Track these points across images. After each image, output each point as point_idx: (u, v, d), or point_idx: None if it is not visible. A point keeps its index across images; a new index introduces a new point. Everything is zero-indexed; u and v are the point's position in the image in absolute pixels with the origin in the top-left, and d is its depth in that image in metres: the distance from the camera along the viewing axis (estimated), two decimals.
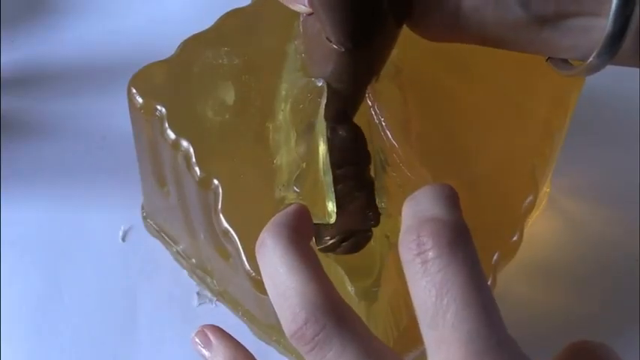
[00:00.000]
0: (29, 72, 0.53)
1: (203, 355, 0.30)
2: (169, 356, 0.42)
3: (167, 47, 0.39)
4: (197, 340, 0.30)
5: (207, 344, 0.30)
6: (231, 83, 0.37)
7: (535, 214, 0.45)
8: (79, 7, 0.57)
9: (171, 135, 0.36)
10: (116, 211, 0.46)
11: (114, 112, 0.49)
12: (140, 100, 0.37)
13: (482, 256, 0.25)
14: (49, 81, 0.52)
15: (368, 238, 0.32)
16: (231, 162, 0.35)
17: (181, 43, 0.39)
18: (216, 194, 0.34)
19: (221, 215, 0.34)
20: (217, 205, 0.34)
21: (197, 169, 0.35)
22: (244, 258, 0.33)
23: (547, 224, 0.46)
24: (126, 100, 0.38)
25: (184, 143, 0.35)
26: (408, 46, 0.38)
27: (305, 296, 0.25)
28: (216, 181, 0.34)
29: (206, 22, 0.40)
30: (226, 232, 0.33)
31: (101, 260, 0.45)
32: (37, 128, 0.50)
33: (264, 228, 0.27)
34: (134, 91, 0.37)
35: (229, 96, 0.37)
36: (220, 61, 0.38)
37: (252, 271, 0.32)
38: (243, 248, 0.33)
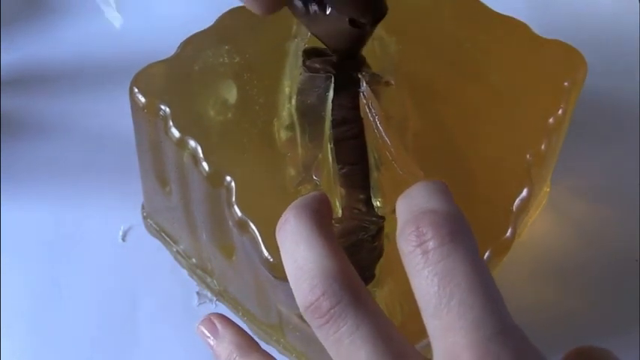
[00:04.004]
0: (29, 72, 0.53)
1: (208, 343, 0.30)
2: (169, 356, 0.42)
3: (167, 47, 0.39)
4: (203, 328, 0.31)
5: (213, 332, 0.30)
6: (233, 81, 0.37)
7: (535, 214, 0.45)
8: (79, 7, 0.57)
9: (176, 134, 0.36)
10: (116, 211, 0.46)
11: (114, 112, 0.49)
12: (143, 99, 0.37)
13: None
14: (49, 81, 0.52)
15: (371, 247, 0.32)
16: (240, 158, 0.35)
17: (182, 42, 0.39)
18: (229, 189, 0.34)
19: (236, 207, 0.34)
20: (231, 198, 0.34)
21: (205, 165, 0.35)
22: (262, 245, 0.33)
23: (547, 224, 0.46)
24: (126, 100, 0.38)
25: (191, 142, 0.35)
26: (406, 45, 0.38)
27: (324, 270, 0.25)
28: (228, 177, 0.34)
29: (206, 22, 0.40)
30: (243, 223, 0.34)
31: (101, 260, 0.45)
32: (37, 128, 0.50)
33: (288, 208, 0.27)
34: (136, 90, 0.37)
35: (231, 94, 0.37)
36: (221, 59, 0.38)
37: (270, 257, 0.33)
38: (261, 236, 0.33)
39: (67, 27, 0.56)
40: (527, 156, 0.36)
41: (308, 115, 0.34)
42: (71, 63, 0.53)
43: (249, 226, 0.33)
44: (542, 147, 0.37)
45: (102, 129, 0.50)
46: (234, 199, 0.34)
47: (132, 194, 0.46)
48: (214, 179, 0.35)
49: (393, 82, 0.36)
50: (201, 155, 0.35)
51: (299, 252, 0.26)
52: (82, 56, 0.54)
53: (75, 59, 0.54)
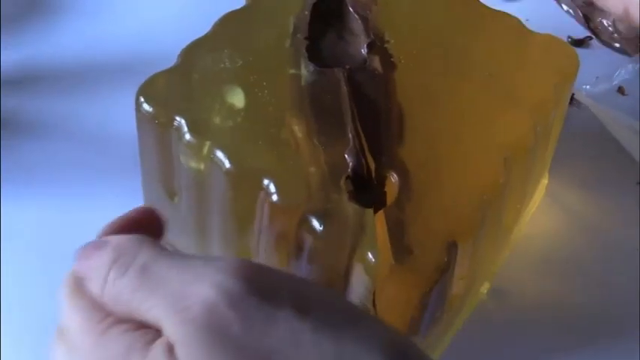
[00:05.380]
0: (29, 72, 0.53)
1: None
2: None
3: (167, 46, 0.39)
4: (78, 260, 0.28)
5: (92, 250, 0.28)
6: (241, 85, 0.37)
7: (533, 207, 0.45)
8: (79, 7, 0.57)
9: (195, 141, 0.35)
10: (116, 211, 0.46)
11: (114, 112, 0.50)
12: (152, 110, 0.36)
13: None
14: (50, 81, 0.53)
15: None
16: (267, 159, 0.34)
17: (182, 51, 0.39)
18: (268, 190, 0.34)
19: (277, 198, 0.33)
20: (272, 198, 0.33)
21: (233, 169, 0.34)
22: None
23: (546, 216, 0.46)
24: (126, 100, 0.38)
25: (212, 149, 0.35)
26: (397, 38, 0.39)
27: None
28: (264, 179, 0.34)
29: (203, 28, 0.40)
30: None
31: None
32: (37, 128, 0.50)
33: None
34: (142, 100, 0.37)
35: (241, 98, 0.37)
36: (225, 65, 0.38)
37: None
38: None
39: (67, 27, 0.56)
40: (508, 152, 0.36)
41: (322, 111, 0.35)
42: (71, 63, 0.54)
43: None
44: (531, 140, 0.36)
45: (102, 129, 0.50)
46: (276, 198, 0.33)
47: (132, 195, 0.45)
48: (245, 182, 0.34)
49: (380, 69, 0.37)
50: (226, 162, 0.35)
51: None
52: (81, 56, 0.54)
53: (75, 59, 0.54)
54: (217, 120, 0.36)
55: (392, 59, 0.38)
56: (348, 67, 0.37)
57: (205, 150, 0.35)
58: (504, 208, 0.38)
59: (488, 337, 0.42)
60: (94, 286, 0.26)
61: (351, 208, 0.32)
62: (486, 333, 0.42)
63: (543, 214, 0.46)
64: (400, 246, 0.32)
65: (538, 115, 0.37)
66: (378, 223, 0.32)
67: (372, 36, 0.39)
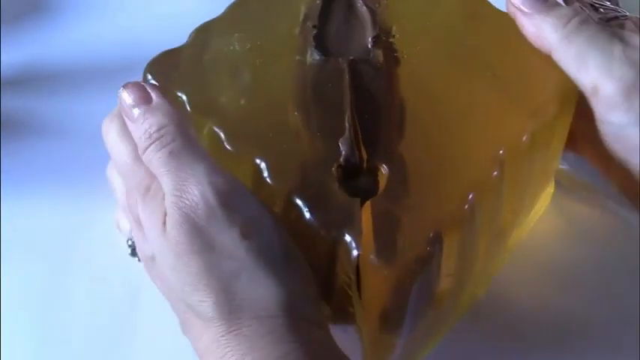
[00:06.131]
0: (29, 72, 0.53)
1: (128, 113, 0.33)
2: (172, 357, 0.42)
3: (169, 46, 0.39)
4: (127, 93, 0.34)
5: (143, 101, 0.33)
6: (248, 68, 0.38)
7: (538, 215, 0.45)
8: (79, 7, 0.57)
9: (195, 120, 0.36)
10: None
11: None
12: (157, 85, 0.37)
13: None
14: (49, 81, 0.52)
15: None
16: (262, 141, 0.35)
17: (193, 31, 0.39)
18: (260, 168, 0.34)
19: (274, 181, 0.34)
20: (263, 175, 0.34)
21: (230, 148, 0.35)
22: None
23: (549, 225, 0.46)
24: None
25: (212, 128, 0.36)
26: (405, 33, 0.39)
27: None
28: (258, 160, 0.34)
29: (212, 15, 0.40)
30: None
31: (102, 260, 0.45)
32: (37, 128, 0.50)
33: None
34: (150, 77, 0.37)
35: (246, 80, 0.37)
36: (231, 47, 0.38)
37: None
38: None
39: (67, 27, 0.56)
40: (501, 151, 0.36)
41: (323, 99, 0.35)
42: (72, 63, 0.53)
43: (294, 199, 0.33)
44: (527, 139, 0.36)
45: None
46: (267, 175, 0.34)
47: None
48: (240, 161, 0.35)
49: (383, 63, 0.37)
50: (224, 141, 0.35)
51: None
52: (82, 56, 0.54)
53: (75, 59, 0.54)
54: (220, 100, 0.37)
55: (396, 54, 0.38)
56: (352, 57, 0.38)
57: (206, 129, 0.36)
58: (499, 208, 0.38)
59: (481, 341, 0.42)
60: (133, 129, 0.34)
61: (339, 195, 0.33)
62: (480, 337, 0.42)
63: (547, 223, 0.46)
64: (386, 237, 0.32)
65: (537, 115, 0.37)
66: (364, 213, 0.33)
67: (377, 30, 0.39)
